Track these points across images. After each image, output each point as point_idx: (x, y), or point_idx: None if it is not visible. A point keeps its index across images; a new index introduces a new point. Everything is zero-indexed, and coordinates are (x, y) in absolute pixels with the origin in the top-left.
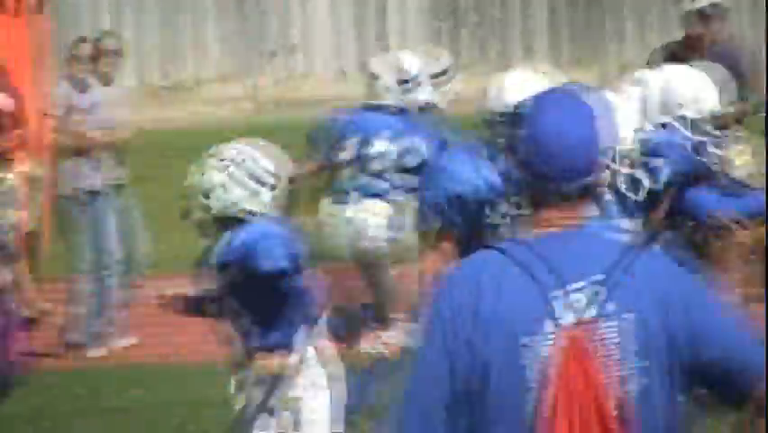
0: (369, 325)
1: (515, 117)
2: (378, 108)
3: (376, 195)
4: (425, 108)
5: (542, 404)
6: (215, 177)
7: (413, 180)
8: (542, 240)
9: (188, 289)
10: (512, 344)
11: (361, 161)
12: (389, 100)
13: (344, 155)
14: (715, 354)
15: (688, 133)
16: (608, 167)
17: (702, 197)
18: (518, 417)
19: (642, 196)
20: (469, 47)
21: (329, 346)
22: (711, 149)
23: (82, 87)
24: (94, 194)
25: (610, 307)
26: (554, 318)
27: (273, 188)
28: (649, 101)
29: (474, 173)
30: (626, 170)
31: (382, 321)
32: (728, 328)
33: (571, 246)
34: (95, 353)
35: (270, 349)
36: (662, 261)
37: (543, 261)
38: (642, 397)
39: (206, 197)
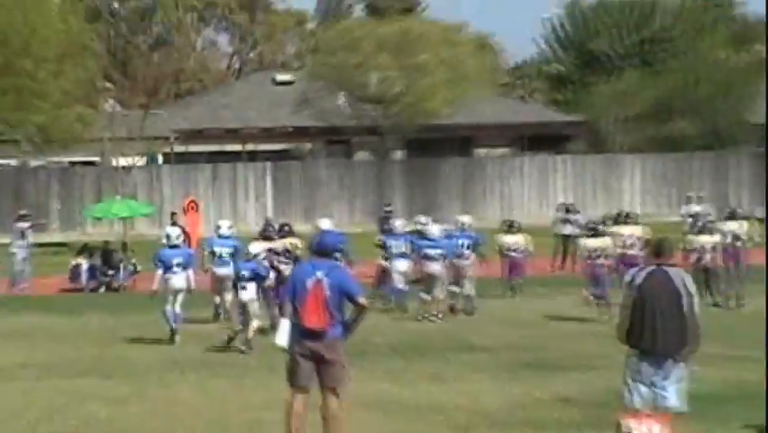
0: None
1: None
2: None
3: None
4: None
5: (307, 298)
6: None
7: None
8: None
9: None
10: (303, 280)
11: None
12: None
13: None
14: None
15: None
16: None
17: None
18: (301, 303)
19: None
20: None
21: None
22: None
23: None
24: None
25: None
26: (313, 276)
27: None
28: None
29: None
30: None
31: None
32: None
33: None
34: None
35: None
36: (338, 266)
37: (313, 264)
38: (331, 299)
39: None
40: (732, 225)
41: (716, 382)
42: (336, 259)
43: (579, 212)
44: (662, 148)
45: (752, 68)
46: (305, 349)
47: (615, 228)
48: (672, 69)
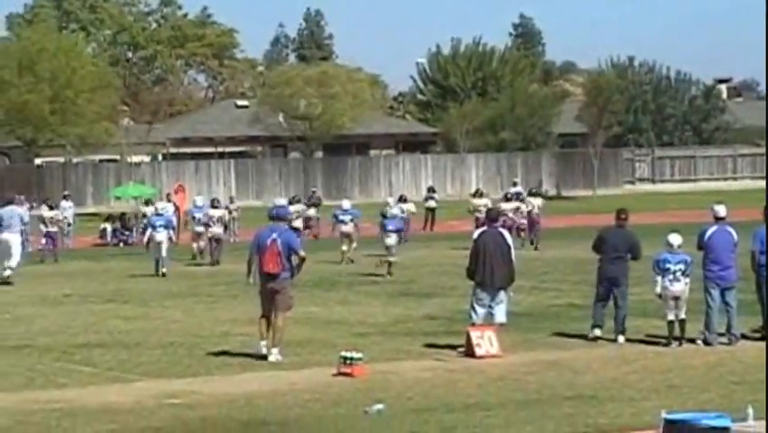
0: None
1: None
2: None
3: None
4: None
5: (266, 251)
6: None
7: None
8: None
9: None
10: (264, 239)
11: None
12: None
13: None
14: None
15: None
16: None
17: None
18: (262, 254)
19: None
20: None
21: None
22: None
23: None
24: None
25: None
26: (270, 237)
27: None
28: None
29: None
30: None
31: None
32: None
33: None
34: None
35: None
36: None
37: (271, 228)
38: (282, 253)
39: None
40: (534, 200)
41: (528, 305)
42: (287, 223)
43: (436, 192)
44: (494, 150)
45: (555, 96)
46: (264, 287)
47: (474, 200)
48: (499, 97)
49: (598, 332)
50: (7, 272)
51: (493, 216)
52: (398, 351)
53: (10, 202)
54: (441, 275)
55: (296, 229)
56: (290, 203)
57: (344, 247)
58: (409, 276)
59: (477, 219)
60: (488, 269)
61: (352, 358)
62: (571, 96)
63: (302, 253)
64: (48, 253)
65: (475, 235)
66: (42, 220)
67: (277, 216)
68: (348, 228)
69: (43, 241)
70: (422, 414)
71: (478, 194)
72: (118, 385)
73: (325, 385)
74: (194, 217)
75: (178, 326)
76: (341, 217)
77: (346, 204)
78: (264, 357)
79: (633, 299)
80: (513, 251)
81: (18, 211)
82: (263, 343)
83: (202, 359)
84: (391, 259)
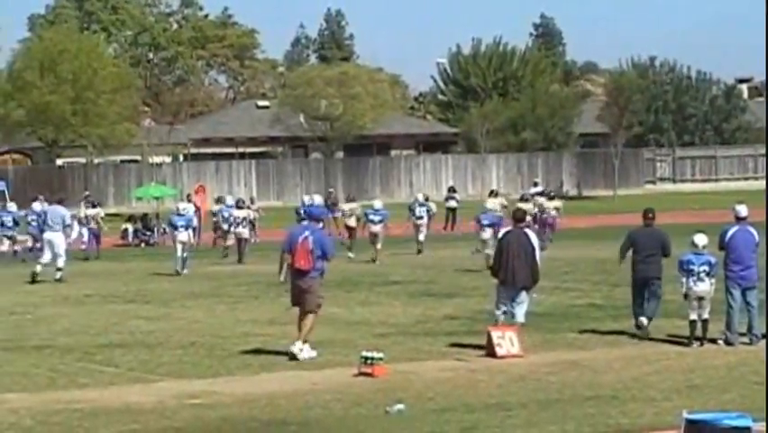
0: None
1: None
2: None
3: None
4: None
5: (297, 249)
6: None
7: None
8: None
9: None
10: (296, 237)
11: None
12: None
13: None
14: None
15: None
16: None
17: None
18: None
19: None
20: None
21: None
22: None
23: None
24: None
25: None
26: (303, 235)
27: None
28: None
29: None
30: None
31: None
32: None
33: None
34: None
35: None
36: (318, 229)
37: (304, 227)
38: (313, 251)
39: None
40: (549, 203)
41: (549, 305)
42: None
43: (457, 192)
44: (515, 150)
45: (576, 96)
46: (294, 284)
47: (489, 200)
48: (520, 97)
49: (644, 320)
50: (58, 275)
51: (519, 216)
52: (419, 351)
53: (59, 202)
54: (462, 275)
55: (350, 228)
56: (325, 202)
57: (378, 246)
58: (430, 276)
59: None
60: (510, 268)
61: (372, 358)
62: (592, 96)
63: (332, 257)
64: (90, 250)
65: (500, 235)
66: (82, 218)
67: (311, 215)
68: (377, 228)
69: (85, 238)
70: (443, 414)
71: (493, 194)
72: (139, 385)
73: (346, 385)
74: (224, 217)
75: (200, 326)
76: (371, 217)
77: (378, 204)
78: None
79: None
80: (538, 252)
81: (61, 212)
82: (294, 345)
83: (223, 359)
84: (488, 251)
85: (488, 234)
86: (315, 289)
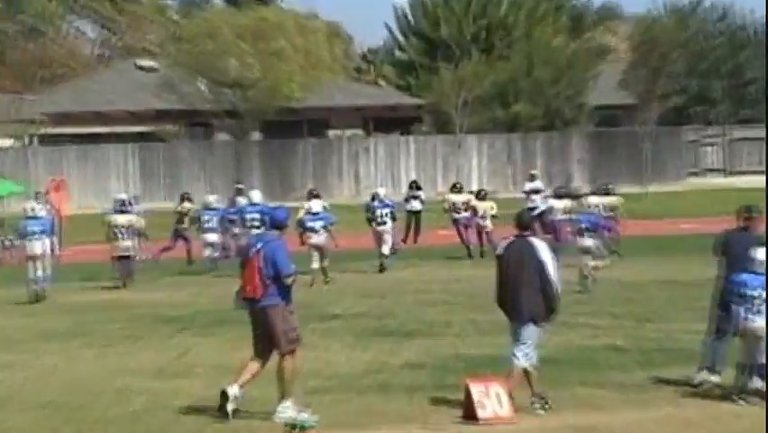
0: None
1: None
2: None
3: None
4: None
5: (251, 264)
6: None
7: None
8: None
9: None
10: (250, 252)
11: None
12: None
13: None
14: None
15: None
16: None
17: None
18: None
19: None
20: None
21: None
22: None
23: None
24: None
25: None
26: (254, 248)
27: None
28: None
29: None
30: None
31: None
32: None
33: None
34: None
35: None
36: (273, 239)
37: (258, 237)
38: (265, 267)
39: None
40: (557, 203)
41: (553, 347)
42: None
43: (421, 189)
44: (504, 129)
45: (589, 54)
46: (251, 317)
47: (451, 195)
48: (511, 55)
49: (711, 377)
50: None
51: (525, 222)
52: (369, 413)
53: None
54: (428, 306)
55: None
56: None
57: (315, 264)
58: (385, 308)
59: (455, 222)
60: (510, 294)
61: (303, 425)
62: (613, 54)
63: (289, 278)
64: None
65: (499, 250)
66: None
67: (273, 221)
68: (319, 239)
69: None
70: None
71: (456, 189)
72: None
73: None
74: (198, 219)
75: (59, 378)
76: (309, 224)
77: (316, 205)
78: (221, 408)
79: (699, 336)
80: (551, 267)
81: None
82: (232, 387)
83: (91, 426)
84: (599, 263)
85: (589, 241)
86: (277, 321)
